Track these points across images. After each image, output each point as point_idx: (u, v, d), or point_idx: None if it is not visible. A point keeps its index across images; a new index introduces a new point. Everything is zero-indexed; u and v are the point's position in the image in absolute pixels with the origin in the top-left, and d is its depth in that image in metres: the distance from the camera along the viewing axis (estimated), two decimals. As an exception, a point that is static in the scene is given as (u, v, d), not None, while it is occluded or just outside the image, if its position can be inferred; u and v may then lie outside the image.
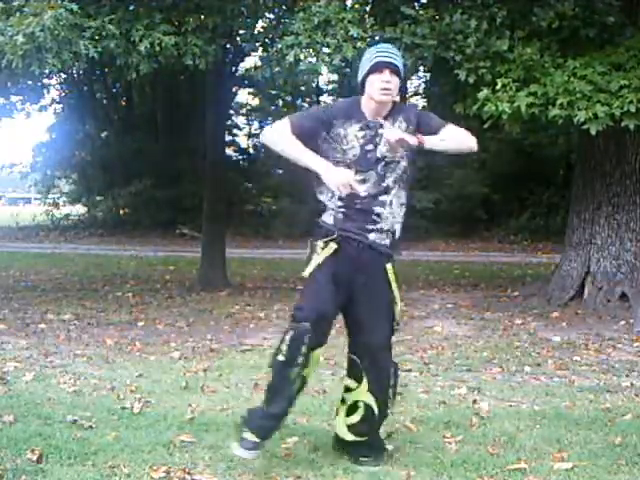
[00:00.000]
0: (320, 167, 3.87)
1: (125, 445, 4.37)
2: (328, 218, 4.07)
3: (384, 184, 4.03)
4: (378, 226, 4.04)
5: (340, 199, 4.01)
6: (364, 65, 4.09)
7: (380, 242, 4.06)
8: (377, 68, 4.01)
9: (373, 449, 4.20)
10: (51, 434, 4.52)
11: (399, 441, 4.54)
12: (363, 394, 4.11)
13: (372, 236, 4.04)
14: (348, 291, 4.03)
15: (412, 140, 3.92)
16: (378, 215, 4.03)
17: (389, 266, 4.09)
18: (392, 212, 4.07)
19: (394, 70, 4.02)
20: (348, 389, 4.20)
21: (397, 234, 4.12)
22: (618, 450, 4.44)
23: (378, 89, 4.01)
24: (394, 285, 4.10)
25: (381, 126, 4.05)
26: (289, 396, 3.96)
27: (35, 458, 4.09)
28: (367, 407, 4.11)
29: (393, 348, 4.34)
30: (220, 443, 4.38)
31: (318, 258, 4.00)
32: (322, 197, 4.11)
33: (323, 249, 4.01)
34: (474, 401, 5.52)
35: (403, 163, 4.09)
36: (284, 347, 3.92)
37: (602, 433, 4.78)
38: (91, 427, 4.73)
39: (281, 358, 3.93)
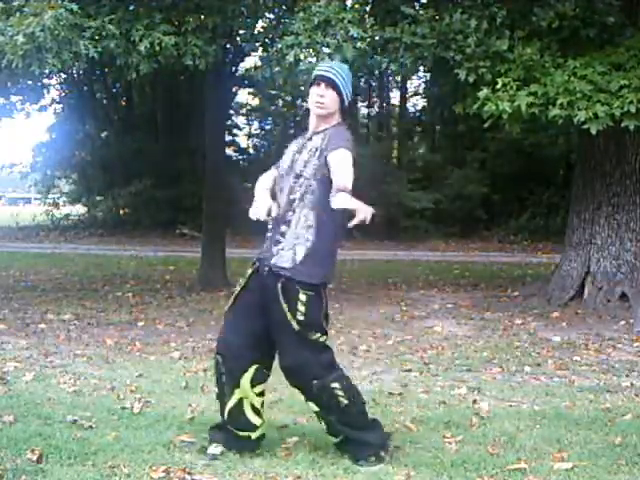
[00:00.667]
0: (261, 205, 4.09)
1: (125, 445, 4.37)
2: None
3: (291, 197, 4.06)
4: (280, 246, 4.05)
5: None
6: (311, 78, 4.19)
7: (279, 264, 4.04)
8: (315, 82, 4.10)
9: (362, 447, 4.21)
10: (51, 434, 4.52)
11: (399, 441, 4.54)
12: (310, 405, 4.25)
13: (274, 259, 4.06)
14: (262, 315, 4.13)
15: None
16: (282, 234, 4.06)
17: (279, 286, 4.01)
18: (296, 233, 4.03)
19: (330, 84, 4.05)
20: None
21: (299, 257, 4.02)
22: (618, 450, 4.44)
23: (313, 102, 4.09)
24: (284, 306, 4.00)
25: (310, 139, 4.14)
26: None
27: (35, 458, 4.09)
28: (317, 413, 4.26)
29: (395, 348, 4.33)
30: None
31: (237, 287, 4.24)
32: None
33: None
34: (474, 401, 5.52)
35: (312, 181, 4.01)
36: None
37: (602, 433, 4.78)
38: (91, 427, 4.73)
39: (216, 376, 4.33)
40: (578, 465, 4.15)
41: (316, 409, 4.22)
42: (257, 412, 4.26)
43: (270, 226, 4.12)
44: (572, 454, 4.35)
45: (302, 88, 27.96)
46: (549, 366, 6.81)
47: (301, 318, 3.99)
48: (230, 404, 4.21)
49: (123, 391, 5.67)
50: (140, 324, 8.86)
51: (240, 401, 4.21)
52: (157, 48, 8.18)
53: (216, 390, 4.34)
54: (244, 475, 3.99)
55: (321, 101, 4.05)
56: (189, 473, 3.98)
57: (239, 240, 21.60)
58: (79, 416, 4.91)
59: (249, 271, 4.21)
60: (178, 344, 7.68)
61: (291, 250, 4.01)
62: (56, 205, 28.63)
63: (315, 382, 4.11)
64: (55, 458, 4.13)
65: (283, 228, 4.04)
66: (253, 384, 4.20)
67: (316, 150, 4.02)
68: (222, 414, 4.30)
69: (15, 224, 27.96)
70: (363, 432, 4.22)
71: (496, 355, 7.26)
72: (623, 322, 8.99)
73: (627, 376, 6.44)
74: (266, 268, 4.08)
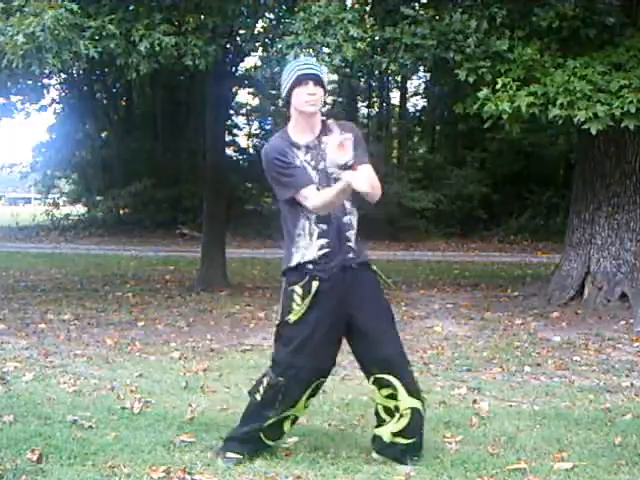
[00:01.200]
0: (342, 183, 3.78)
1: (125, 445, 4.37)
2: (302, 257, 4.07)
3: (346, 203, 4.04)
4: (348, 245, 4.07)
5: (318, 230, 4.03)
6: (286, 81, 4.06)
7: (355, 258, 4.07)
8: (300, 81, 4.00)
9: (419, 448, 4.21)
10: (51, 434, 4.52)
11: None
12: (406, 401, 4.10)
13: (348, 256, 4.06)
14: (344, 321, 4.06)
15: (349, 151, 3.83)
16: (348, 239, 4.08)
17: (375, 277, 4.18)
18: (354, 231, 4.11)
19: (318, 82, 4.02)
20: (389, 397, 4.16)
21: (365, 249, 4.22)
22: (618, 450, 4.44)
23: (304, 101, 4.01)
24: (383, 295, 4.20)
25: (320, 143, 4.08)
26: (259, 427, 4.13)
27: (35, 458, 4.08)
28: (414, 410, 4.12)
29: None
30: (220, 443, 4.38)
31: (302, 306, 3.99)
32: (297, 236, 4.11)
33: (304, 293, 4.01)
34: (474, 401, 5.52)
35: None
36: (260, 389, 4.13)
37: (602, 433, 4.78)
38: (91, 427, 4.73)
39: (257, 398, 4.15)
40: (578, 465, 4.15)
41: (411, 399, 4.10)
42: (293, 422, 4.27)
43: (319, 231, 4.03)
44: (572, 454, 4.35)
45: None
46: (549, 366, 6.81)
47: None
48: (274, 420, 4.12)
49: (123, 391, 5.67)
50: (140, 324, 8.86)
51: (287, 417, 4.17)
52: (157, 48, 8.17)
53: (255, 401, 4.18)
54: (244, 475, 3.99)
55: (314, 98, 4.01)
56: (189, 473, 3.98)
57: (239, 240, 21.64)
58: (79, 416, 4.91)
59: (313, 287, 3.99)
60: (178, 344, 7.67)
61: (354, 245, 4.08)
62: (56, 205, 28.63)
63: (411, 368, 4.22)
64: (55, 458, 4.13)
65: (349, 234, 4.06)
66: (308, 398, 4.17)
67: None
68: (256, 424, 4.15)
69: (15, 224, 27.96)
70: None
71: (496, 355, 7.26)
72: (623, 322, 8.99)
73: (627, 376, 6.44)
74: (343, 271, 4.03)
